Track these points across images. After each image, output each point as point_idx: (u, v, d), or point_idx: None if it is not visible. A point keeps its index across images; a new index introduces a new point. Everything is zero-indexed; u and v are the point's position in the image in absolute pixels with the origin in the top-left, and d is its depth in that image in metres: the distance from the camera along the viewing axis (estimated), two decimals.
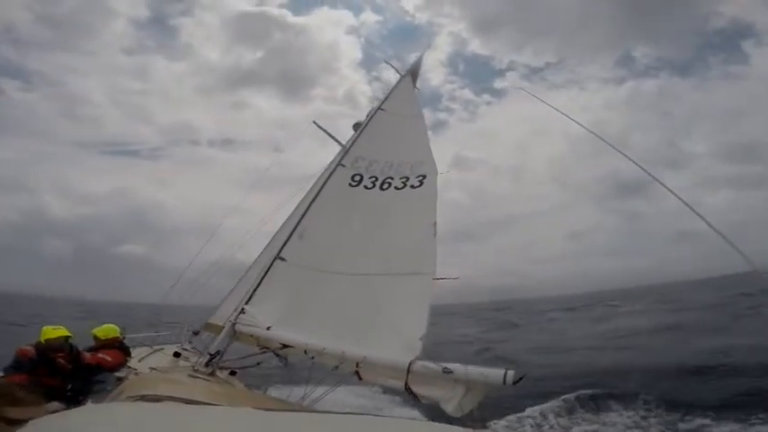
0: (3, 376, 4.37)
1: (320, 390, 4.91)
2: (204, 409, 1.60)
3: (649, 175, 3.21)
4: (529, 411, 9.01)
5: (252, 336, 4.76)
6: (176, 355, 6.13)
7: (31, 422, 1.04)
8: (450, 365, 3.35)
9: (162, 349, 6.75)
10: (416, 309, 4.16)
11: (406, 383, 3.51)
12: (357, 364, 3.90)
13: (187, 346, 6.99)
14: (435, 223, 5.07)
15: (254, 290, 5.19)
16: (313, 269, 5.31)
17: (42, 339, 4.50)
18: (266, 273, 5.41)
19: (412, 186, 5.83)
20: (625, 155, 3.41)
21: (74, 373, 4.61)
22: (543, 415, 8.97)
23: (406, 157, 6.23)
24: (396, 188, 5.91)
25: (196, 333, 7.20)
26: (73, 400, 4.33)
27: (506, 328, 30.65)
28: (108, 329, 5.50)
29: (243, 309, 4.85)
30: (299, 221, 5.94)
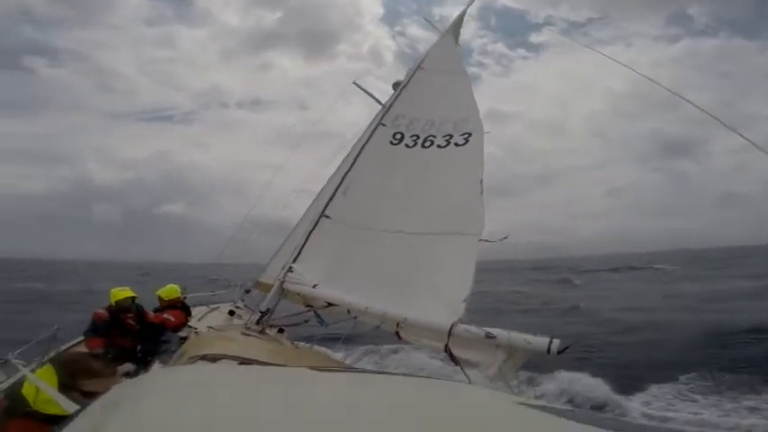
0: (83, 340, 4.82)
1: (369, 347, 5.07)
2: (266, 370, 1.67)
3: (717, 119, 2.84)
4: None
5: (299, 294, 4.94)
6: (231, 313, 6.59)
7: (109, 391, 1.08)
8: (493, 330, 3.33)
9: (218, 308, 7.19)
10: (460, 270, 4.07)
11: (446, 346, 3.53)
12: (398, 325, 3.96)
13: (240, 305, 7.40)
14: (482, 181, 4.89)
15: (301, 248, 5.35)
16: (357, 227, 5.35)
17: (112, 302, 4.79)
18: (312, 230, 5.55)
19: (456, 144, 5.69)
20: (690, 101, 3.06)
21: (141, 332, 4.92)
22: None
23: (449, 116, 6.04)
24: (438, 146, 5.79)
25: (248, 291, 7.59)
26: (142, 360, 4.68)
27: (566, 287, 29.43)
28: (170, 290, 5.81)
29: (290, 267, 5.02)
30: (343, 179, 5.98)
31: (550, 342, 3.10)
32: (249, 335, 4.13)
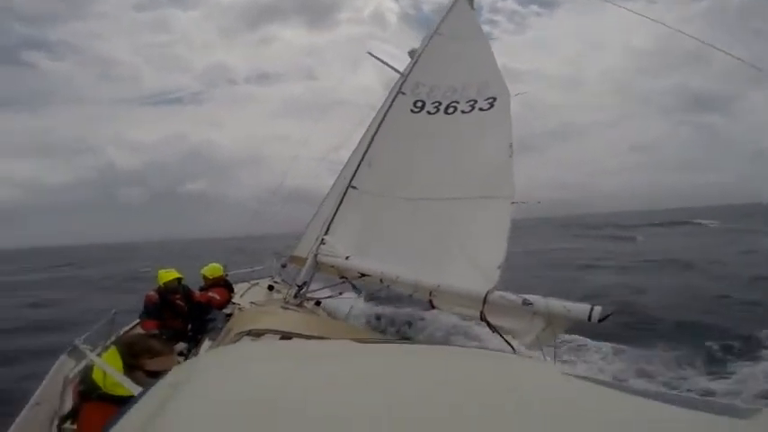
0: (138, 323, 5.00)
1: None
2: (311, 344, 1.71)
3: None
4: None
5: (332, 266, 5.03)
6: (270, 288, 6.81)
7: (170, 372, 1.11)
8: (530, 297, 3.26)
9: (257, 284, 7.41)
10: (494, 235, 3.98)
11: (481, 313, 3.50)
12: (430, 293, 3.98)
13: (278, 279, 7.64)
14: (511, 145, 4.74)
15: (331, 220, 5.40)
16: (384, 196, 5.35)
17: (160, 283, 4.92)
18: (340, 203, 5.60)
19: (481, 109, 5.57)
20: (724, 51, 2.80)
21: (189, 312, 5.05)
22: None
23: (471, 81, 5.86)
24: (462, 112, 5.68)
25: (284, 266, 7.79)
26: (193, 339, 4.85)
27: (624, 243, 26.87)
28: (214, 269, 5.91)
29: (323, 240, 5.10)
30: (366, 150, 5.97)
31: (591, 309, 3.01)
32: (288, 308, 4.26)
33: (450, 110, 5.81)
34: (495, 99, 5.50)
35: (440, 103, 5.92)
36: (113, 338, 4.60)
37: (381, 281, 4.44)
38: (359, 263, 4.69)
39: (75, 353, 3.49)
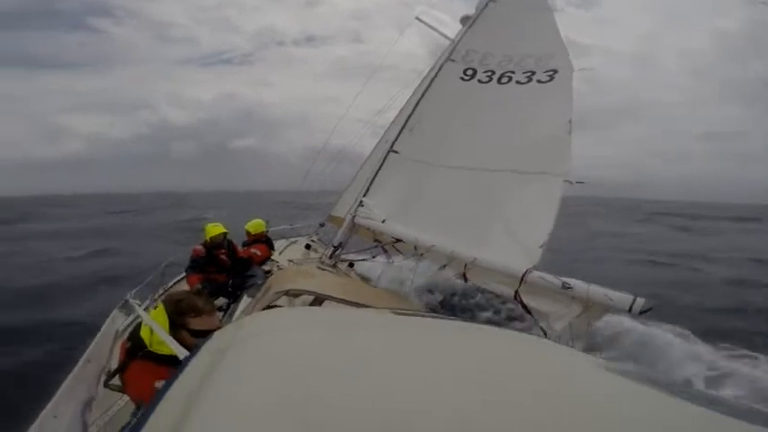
0: (184, 276, 5.15)
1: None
2: (352, 312, 1.72)
3: None
4: None
5: (368, 229, 5.06)
6: (307, 247, 7.00)
7: (213, 338, 1.11)
8: (571, 281, 3.17)
9: (296, 241, 7.61)
10: (541, 212, 3.84)
11: (516, 292, 3.46)
12: (465, 266, 3.94)
13: (315, 238, 7.80)
14: (571, 121, 4.50)
15: (370, 183, 5.40)
16: (425, 162, 5.27)
17: (207, 238, 5.04)
18: (381, 166, 5.57)
19: (539, 81, 5.32)
20: None
21: (232, 267, 5.16)
22: None
23: (530, 52, 5.63)
24: (518, 82, 5.46)
25: (322, 225, 7.93)
26: (233, 294, 4.96)
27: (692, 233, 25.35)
28: (257, 224, 6.08)
29: (361, 202, 5.11)
30: (410, 115, 5.86)
31: (634, 300, 2.90)
32: (324, 269, 4.34)
33: (505, 80, 5.62)
34: (555, 72, 5.28)
35: (493, 72, 5.72)
36: (161, 292, 4.85)
37: (415, 248, 4.42)
38: (394, 227, 4.67)
39: (126, 307, 3.57)
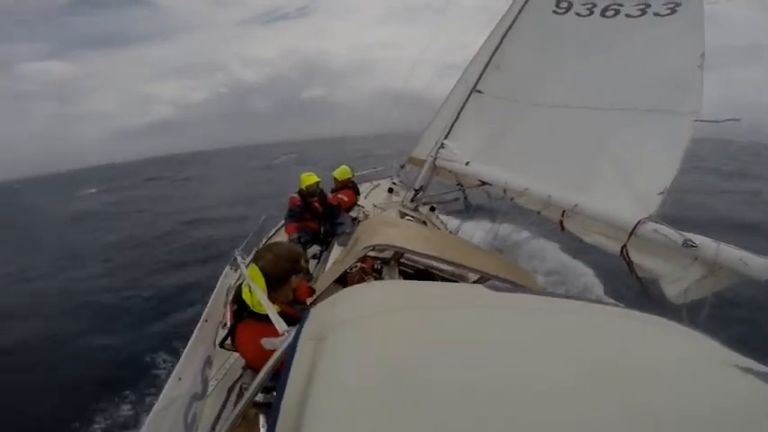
0: (282, 225, 5.37)
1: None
2: (439, 289, 1.56)
3: None
4: None
5: (450, 171, 4.80)
6: (389, 190, 6.97)
7: (311, 317, 1.10)
8: (696, 238, 2.71)
9: (379, 185, 7.63)
10: (663, 154, 3.31)
11: (623, 247, 3.08)
12: (563, 213, 3.58)
13: (396, 181, 7.75)
14: (703, 54, 3.79)
15: (452, 124, 5.07)
16: (516, 101, 4.80)
17: (303, 186, 5.13)
18: (463, 106, 5.21)
19: (657, 14, 4.50)
20: None
21: (323, 214, 5.25)
22: None
23: None
24: (628, 15, 4.68)
25: (402, 167, 7.75)
26: (325, 242, 5.12)
27: None
28: (343, 171, 6.13)
29: (442, 143, 4.83)
30: (494, 53, 5.31)
31: None
32: (406, 214, 4.23)
33: (610, 12, 4.82)
34: (678, 4, 4.42)
35: (594, 5, 4.94)
36: (264, 241, 5.06)
37: (505, 192, 4.10)
38: (480, 169, 4.35)
39: (236, 264, 3.65)
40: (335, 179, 6.12)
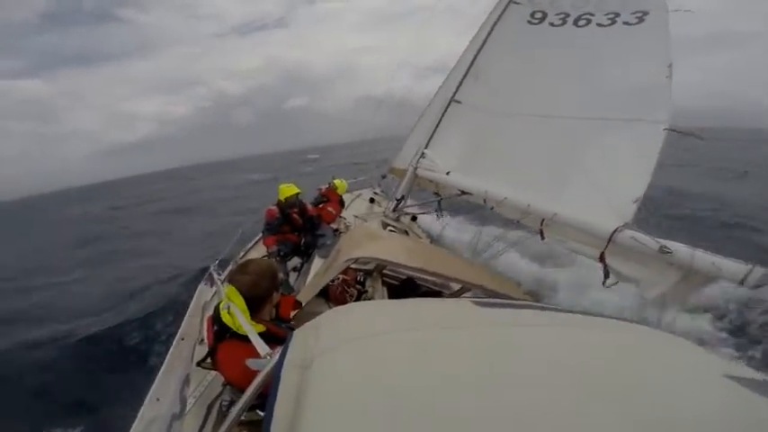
0: (259, 238, 5.24)
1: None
2: (426, 306, 1.54)
3: None
4: None
5: (431, 181, 4.83)
6: (371, 200, 6.97)
7: (294, 341, 1.07)
8: (671, 244, 2.75)
9: (360, 195, 7.64)
10: (635, 163, 3.41)
11: (602, 254, 3.12)
12: (542, 221, 3.63)
13: (377, 191, 7.81)
14: (670, 65, 3.93)
15: (432, 134, 5.12)
16: (493, 111, 4.90)
17: (282, 198, 5.01)
18: (442, 116, 5.27)
19: (626, 23, 4.70)
20: None
21: (302, 226, 5.15)
22: None
23: None
24: (599, 25, 4.86)
25: (383, 177, 7.82)
26: (305, 254, 5.01)
27: None
28: (343, 185, 6.11)
29: (423, 153, 4.85)
30: (472, 63, 5.45)
31: (749, 272, 2.44)
32: (388, 224, 4.20)
33: (582, 22, 5.03)
34: (645, 13, 4.64)
35: (567, 15, 5.15)
36: (242, 255, 4.92)
37: (485, 201, 4.14)
38: (461, 179, 4.40)
39: (211, 279, 3.60)
40: (334, 192, 6.06)
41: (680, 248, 2.76)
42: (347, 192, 7.50)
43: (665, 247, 2.79)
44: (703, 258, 2.67)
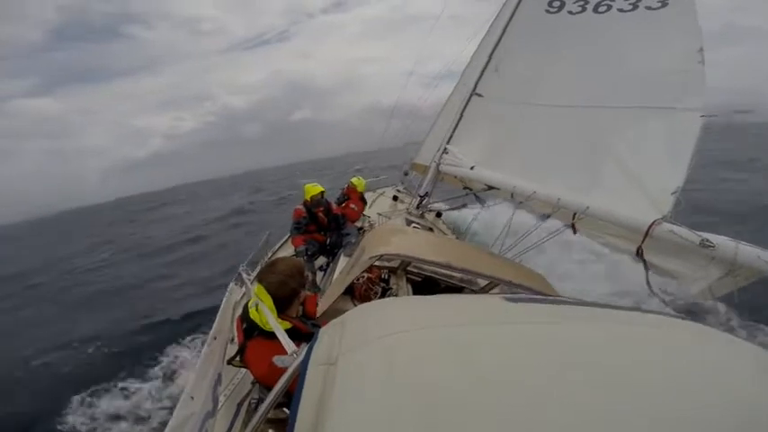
0: (287, 238, 5.33)
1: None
2: (453, 302, 1.50)
3: None
4: None
5: (455, 176, 4.76)
6: (394, 198, 6.99)
7: (319, 340, 1.09)
8: (714, 237, 2.64)
9: (383, 193, 7.65)
10: (670, 152, 3.26)
11: (639, 248, 3.01)
12: (574, 216, 3.53)
13: (401, 188, 7.79)
14: (701, 49, 3.77)
15: (454, 129, 5.05)
16: (516, 103, 4.78)
17: (307, 197, 5.03)
18: (463, 110, 5.19)
19: (649, 8, 4.48)
20: None
21: (328, 225, 5.16)
22: None
23: None
24: (620, 10, 4.67)
25: (406, 174, 7.77)
26: (331, 253, 5.04)
27: None
28: (362, 182, 6.12)
29: (445, 149, 4.79)
30: (491, 55, 5.33)
31: None
32: (412, 220, 4.17)
33: (603, 8, 4.81)
34: None
35: (586, 2, 4.94)
36: (270, 255, 5.00)
37: (512, 196, 4.05)
38: (486, 173, 4.30)
39: (240, 280, 3.62)
40: (354, 190, 6.08)
41: (723, 242, 2.64)
42: (368, 190, 7.49)
43: (707, 240, 2.68)
44: (748, 252, 2.55)
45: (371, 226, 5.30)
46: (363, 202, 6.09)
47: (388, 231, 3.79)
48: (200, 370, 2.37)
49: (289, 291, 1.98)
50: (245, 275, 3.43)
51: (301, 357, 1.07)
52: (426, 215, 5.02)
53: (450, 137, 4.99)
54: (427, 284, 3.80)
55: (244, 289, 3.75)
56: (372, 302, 1.48)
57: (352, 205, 5.62)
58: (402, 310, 1.29)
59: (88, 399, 5.71)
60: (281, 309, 1.97)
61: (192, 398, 2.12)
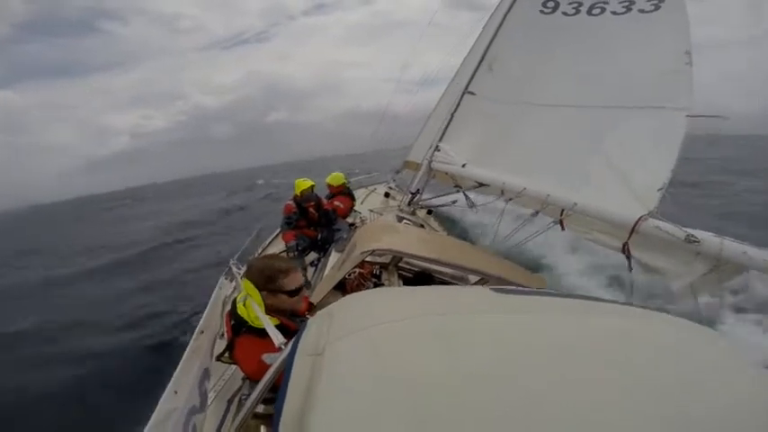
0: (278, 233, 5.29)
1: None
2: (442, 293, 1.51)
3: None
4: None
5: (447, 173, 4.78)
6: (386, 195, 7.01)
7: (307, 330, 1.08)
8: (699, 233, 2.67)
9: (375, 189, 7.66)
10: (657, 151, 3.32)
11: (625, 244, 3.04)
12: (562, 212, 3.57)
13: (392, 185, 7.78)
14: (689, 52, 3.83)
15: (446, 127, 5.07)
16: (508, 102, 4.83)
17: (298, 192, 5.04)
18: (456, 108, 5.21)
19: (642, 11, 4.57)
20: None
21: (318, 221, 5.18)
22: None
23: None
24: (614, 12, 4.75)
25: (398, 172, 7.81)
26: (322, 248, 5.04)
27: None
28: (337, 177, 6.09)
29: (437, 146, 4.81)
30: (485, 53, 5.35)
31: None
32: (403, 217, 4.19)
33: (596, 10, 4.90)
34: (661, 0, 4.49)
35: (580, 4, 5.02)
36: (260, 251, 4.95)
37: (503, 192, 4.08)
38: (477, 171, 4.34)
39: (230, 274, 3.61)
40: (329, 185, 6.09)
41: (709, 238, 2.67)
42: (360, 187, 7.49)
43: (692, 236, 2.70)
44: (733, 248, 2.58)
45: (363, 222, 5.32)
46: (350, 197, 6.07)
47: (380, 227, 3.79)
48: (184, 364, 2.34)
49: (274, 275, 1.98)
50: (235, 269, 3.42)
51: (288, 350, 1.07)
52: (417, 212, 5.04)
53: (443, 135, 5.01)
54: (419, 280, 3.81)
55: (234, 283, 3.74)
56: (361, 293, 1.48)
57: (337, 202, 5.62)
58: (390, 301, 1.30)
59: None
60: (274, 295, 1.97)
61: (176, 392, 2.09)
